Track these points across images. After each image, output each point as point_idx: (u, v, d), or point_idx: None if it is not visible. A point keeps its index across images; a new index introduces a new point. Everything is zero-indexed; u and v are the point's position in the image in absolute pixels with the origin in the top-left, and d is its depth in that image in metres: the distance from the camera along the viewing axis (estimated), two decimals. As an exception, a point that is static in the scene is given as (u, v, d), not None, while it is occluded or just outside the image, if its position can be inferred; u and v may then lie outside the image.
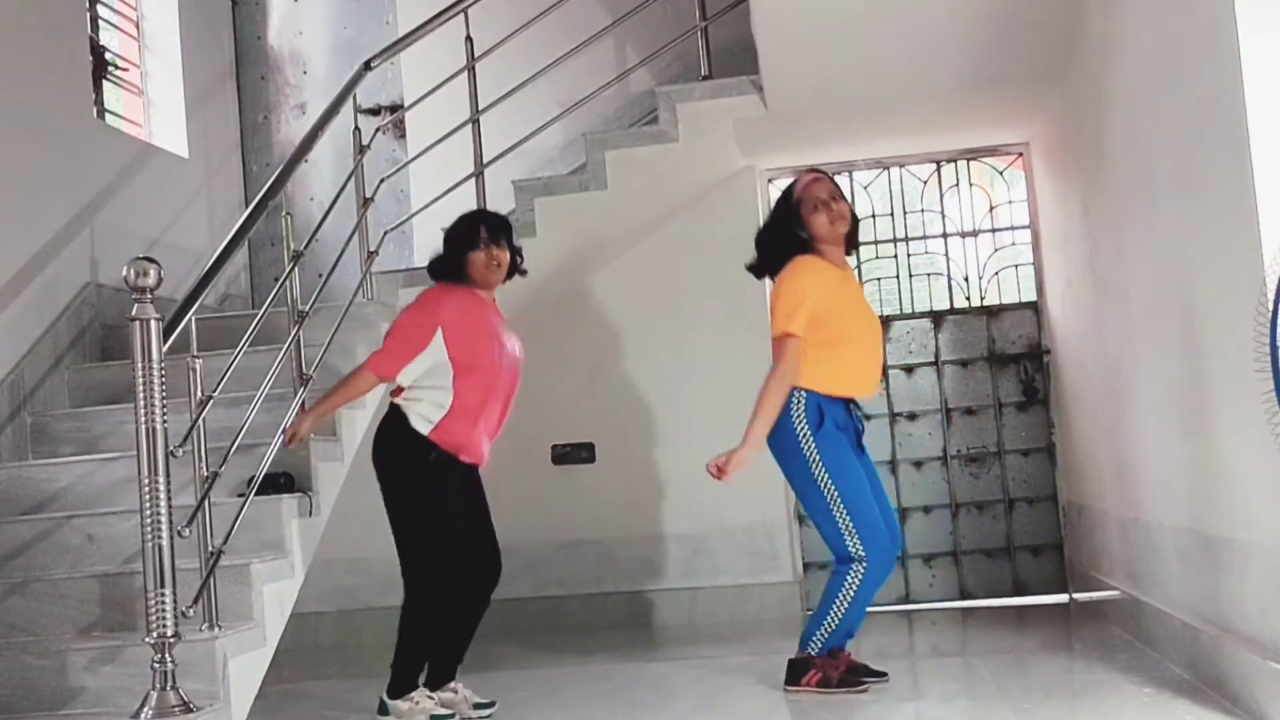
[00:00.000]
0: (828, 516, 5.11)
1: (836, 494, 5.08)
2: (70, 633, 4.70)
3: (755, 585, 7.32)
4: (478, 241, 5.17)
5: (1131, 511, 5.76)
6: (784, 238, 5.34)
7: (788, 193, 5.39)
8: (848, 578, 5.07)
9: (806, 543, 7.47)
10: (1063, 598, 7.32)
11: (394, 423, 5.09)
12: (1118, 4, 5.19)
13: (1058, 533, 7.47)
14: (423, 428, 5.01)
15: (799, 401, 5.12)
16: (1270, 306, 3.56)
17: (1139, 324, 5.35)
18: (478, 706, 5.12)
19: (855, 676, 5.12)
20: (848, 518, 5.07)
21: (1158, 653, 5.24)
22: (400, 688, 5.00)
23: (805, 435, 5.10)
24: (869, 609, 5.21)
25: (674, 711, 5.11)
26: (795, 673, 5.14)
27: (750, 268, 5.53)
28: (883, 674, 5.17)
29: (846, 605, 5.07)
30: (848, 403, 5.23)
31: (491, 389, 5.08)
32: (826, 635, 5.11)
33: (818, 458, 5.09)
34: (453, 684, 5.14)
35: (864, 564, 5.05)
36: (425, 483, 5.02)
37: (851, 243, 5.43)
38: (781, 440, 5.16)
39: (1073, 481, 7.22)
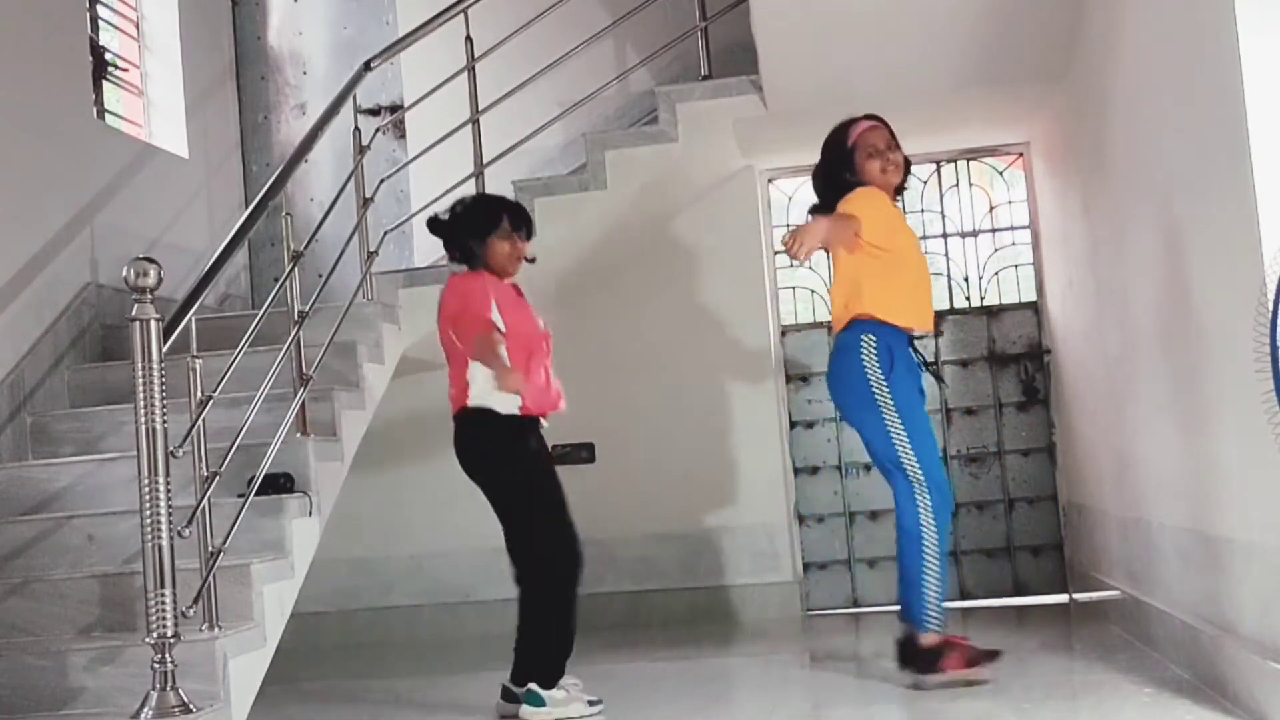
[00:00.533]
0: (897, 465, 5.02)
1: (908, 442, 5.00)
2: (70, 633, 4.70)
3: (756, 585, 7.32)
4: (499, 229, 5.14)
5: (1132, 512, 5.76)
6: (834, 182, 5.27)
7: (843, 135, 5.31)
8: (924, 543, 4.93)
9: (806, 543, 7.47)
10: (1063, 598, 7.32)
11: (484, 418, 5.06)
12: (1118, 4, 5.20)
13: (1058, 533, 7.47)
14: (512, 409, 5.02)
15: (869, 344, 5.04)
16: (1270, 306, 3.56)
17: (1139, 324, 5.35)
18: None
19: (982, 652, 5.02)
20: (918, 469, 4.99)
21: (1158, 653, 5.24)
22: (553, 676, 4.97)
23: (878, 379, 5.02)
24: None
25: (675, 711, 5.11)
26: (930, 661, 4.94)
27: (812, 210, 5.39)
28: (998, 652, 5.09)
29: (935, 568, 4.94)
30: (910, 339, 5.17)
31: (534, 353, 5.08)
32: (936, 605, 4.95)
33: (890, 403, 5.02)
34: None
35: (932, 519, 4.94)
36: (532, 461, 5.06)
37: (899, 190, 5.41)
38: (852, 384, 5.09)
39: (1073, 481, 7.22)
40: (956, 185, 7.81)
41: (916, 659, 5.00)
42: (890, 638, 5.14)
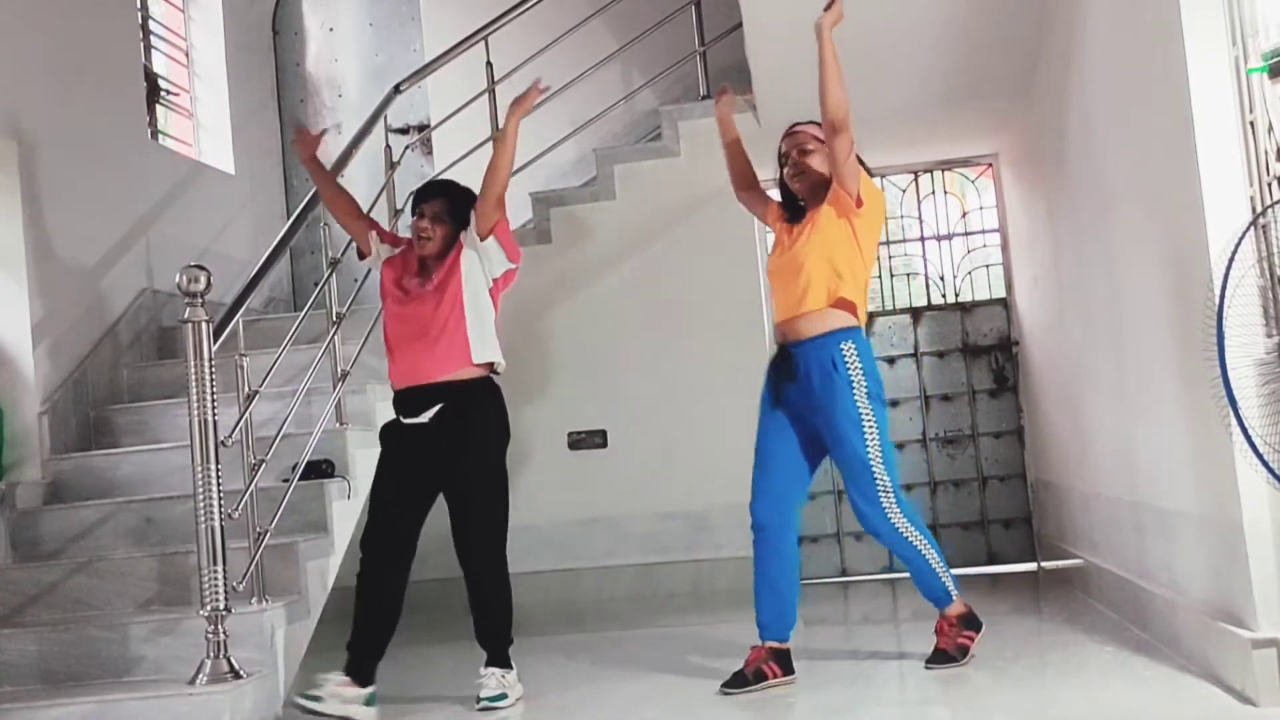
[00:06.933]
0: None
1: None
2: (131, 607, 4.72)
3: (752, 557, 7.30)
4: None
5: (1092, 487, 5.75)
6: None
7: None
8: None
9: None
10: (1032, 566, 7.32)
11: None
12: (1076, 29, 5.19)
13: (1027, 507, 7.47)
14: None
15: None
16: (1217, 301, 3.56)
17: (1097, 317, 5.34)
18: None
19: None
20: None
21: (1117, 614, 5.24)
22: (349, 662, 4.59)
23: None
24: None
25: (678, 670, 5.10)
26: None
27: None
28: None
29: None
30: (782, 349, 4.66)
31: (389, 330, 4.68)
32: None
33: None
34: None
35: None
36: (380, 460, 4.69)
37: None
38: None
39: (1040, 460, 7.22)
40: (933, 193, 7.80)
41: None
42: (877, 603, 5.09)
